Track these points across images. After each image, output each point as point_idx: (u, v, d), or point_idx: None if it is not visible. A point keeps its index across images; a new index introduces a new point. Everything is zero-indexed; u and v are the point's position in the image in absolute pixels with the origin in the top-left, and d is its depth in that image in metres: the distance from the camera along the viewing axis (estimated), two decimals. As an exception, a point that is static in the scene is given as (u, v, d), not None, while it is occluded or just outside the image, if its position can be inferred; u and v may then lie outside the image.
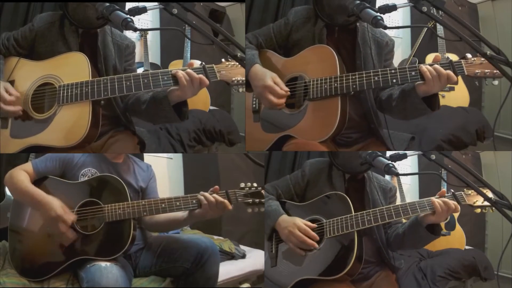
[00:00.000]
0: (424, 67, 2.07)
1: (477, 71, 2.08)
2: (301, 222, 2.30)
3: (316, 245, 2.27)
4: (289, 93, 2.21)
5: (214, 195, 2.26)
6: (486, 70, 2.07)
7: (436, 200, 2.18)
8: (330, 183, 2.41)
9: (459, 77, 3.64)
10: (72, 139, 2.17)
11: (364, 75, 2.16)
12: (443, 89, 2.13)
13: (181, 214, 2.36)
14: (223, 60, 2.24)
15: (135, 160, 2.56)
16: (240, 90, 2.28)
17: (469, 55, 2.10)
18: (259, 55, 2.30)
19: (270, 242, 2.40)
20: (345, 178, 2.41)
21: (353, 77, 2.17)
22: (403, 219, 2.47)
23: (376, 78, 2.15)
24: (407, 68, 2.12)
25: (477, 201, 2.22)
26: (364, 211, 2.27)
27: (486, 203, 2.17)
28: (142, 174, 2.52)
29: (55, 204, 2.25)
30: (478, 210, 2.26)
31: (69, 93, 2.18)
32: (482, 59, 2.04)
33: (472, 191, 2.20)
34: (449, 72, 2.05)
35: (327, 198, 2.36)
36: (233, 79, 2.24)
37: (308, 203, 2.40)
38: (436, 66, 2.06)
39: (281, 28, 2.34)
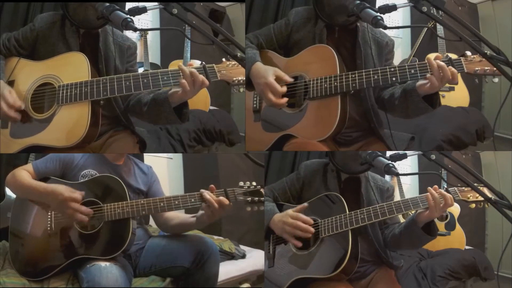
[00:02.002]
0: (432, 61, 2.07)
1: (476, 68, 2.09)
2: (292, 211, 2.31)
3: (312, 229, 2.27)
4: (285, 89, 2.21)
5: (209, 193, 2.28)
6: (486, 68, 2.08)
7: (428, 194, 2.18)
8: (326, 184, 2.41)
9: (459, 77, 3.67)
10: (72, 139, 2.17)
11: (364, 74, 2.17)
12: (443, 87, 2.14)
13: (192, 219, 2.39)
14: (223, 59, 2.24)
15: (136, 162, 2.56)
16: (241, 90, 2.28)
17: (468, 53, 2.11)
18: (260, 55, 2.30)
19: (268, 242, 2.41)
20: (340, 179, 2.41)
21: (353, 76, 2.17)
22: (400, 219, 2.48)
23: (375, 77, 2.15)
24: (407, 66, 2.12)
25: (471, 196, 2.22)
26: (358, 210, 2.27)
27: (480, 198, 2.17)
28: (142, 177, 2.53)
29: (61, 188, 2.26)
30: (473, 206, 2.26)
31: (69, 93, 2.18)
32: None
33: (467, 187, 2.20)
34: (452, 68, 2.05)
35: (322, 199, 2.37)
36: (234, 79, 2.24)
37: None
38: (439, 62, 2.06)
39: (281, 28, 2.34)
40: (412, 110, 2.19)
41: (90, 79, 2.18)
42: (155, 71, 2.17)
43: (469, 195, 2.22)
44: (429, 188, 2.18)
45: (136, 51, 2.46)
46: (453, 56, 2.15)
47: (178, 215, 2.48)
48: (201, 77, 2.13)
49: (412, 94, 2.14)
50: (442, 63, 2.06)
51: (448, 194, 2.17)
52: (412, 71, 2.11)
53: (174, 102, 2.20)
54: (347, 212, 2.28)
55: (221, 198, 2.28)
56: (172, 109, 2.20)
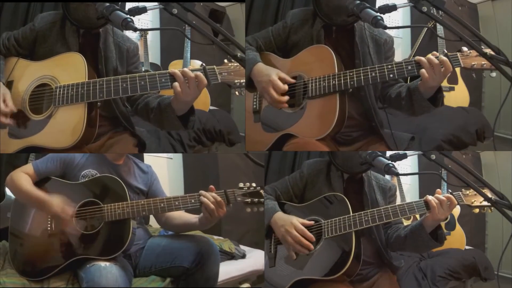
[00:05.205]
0: (421, 57, 2.09)
1: (473, 63, 2.10)
2: (298, 221, 2.30)
3: (312, 246, 2.27)
4: (287, 87, 2.21)
5: (212, 194, 2.27)
6: (483, 62, 2.09)
7: (431, 196, 2.18)
8: (329, 183, 2.41)
9: (459, 77, 3.67)
10: (69, 141, 2.16)
11: (361, 71, 2.18)
12: (441, 81, 2.14)
13: (194, 220, 2.40)
14: (225, 60, 2.22)
15: (136, 161, 2.56)
16: (243, 93, 2.27)
17: (465, 48, 2.11)
18: (260, 57, 2.30)
19: (269, 242, 2.40)
20: (343, 178, 2.41)
21: (351, 74, 2.18)
22: (403, 220, 2.47)
23: (373, 74, 2.16)
24: (404, 63, 2.13)
25: (475, 201, 2.22)
26: (362, 212, 2.27)
27: (484, 203, 2.18)
28: (142, 176, 2.53)
29: (54, 201, 2.27)
30: (477, 210, 2.26)
31: (65, 95, 2.16)
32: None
33: (470, 191, 2.21)
34: (442, 58, 2.05)
35: (325, 199, 2.36)
36: (236, 81, 2.22)
37: (307, 204, 2.40)
38: (429, 56, 2.07)
39: (279, 30, 2.35)
40: (417, 108, 2.21)
41: (87, 80, 2.16)
42: (152, 73, 2.14)
43: (473, 200, 2.22)
44: (438, 190, 2.20)
45: (138, 52, 2.44)
46: (451, 54, 2.15)
47: (180, 215, 2.47)
48: (194, 73, 2.08)
49: (415, 92, 2.16)
50: (430, 56, 2.07)
51: (448, 195, 2.17)
52: (409, 67, 2.12)
53: (177, 107, 2.18)
54: (351, 213, 2.27)
55: (219, 199, 2.28)
56: (175, 115, 2.19)
